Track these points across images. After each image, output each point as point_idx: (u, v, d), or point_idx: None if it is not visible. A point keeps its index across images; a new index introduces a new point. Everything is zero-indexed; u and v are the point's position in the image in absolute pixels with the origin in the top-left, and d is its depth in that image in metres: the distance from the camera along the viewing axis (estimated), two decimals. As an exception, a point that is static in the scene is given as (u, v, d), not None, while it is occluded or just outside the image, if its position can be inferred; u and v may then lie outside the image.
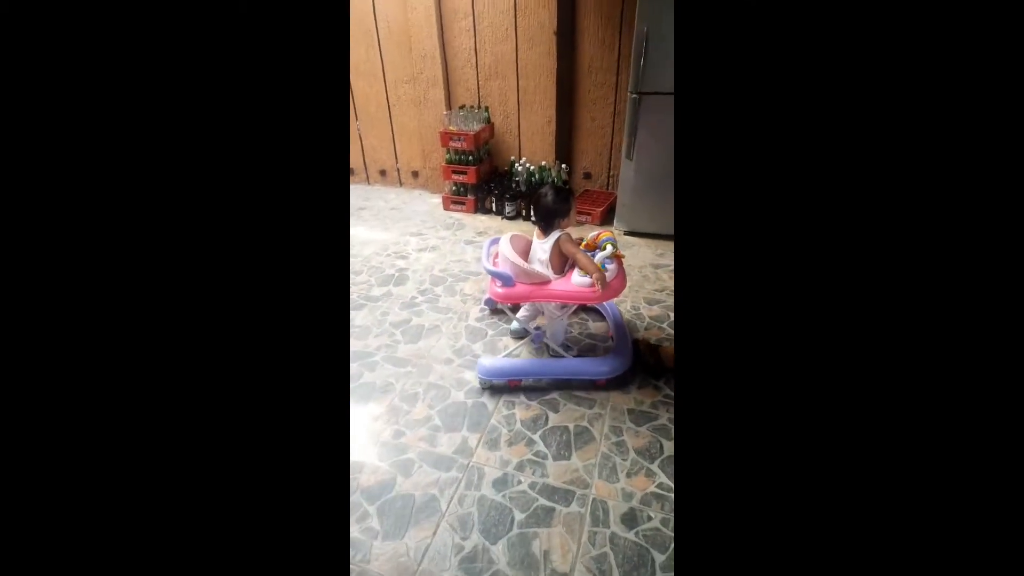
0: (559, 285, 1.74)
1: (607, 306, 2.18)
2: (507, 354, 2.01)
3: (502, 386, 1.84)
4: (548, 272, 1.76)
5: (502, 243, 1.80)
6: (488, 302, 2.32)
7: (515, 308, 2.11)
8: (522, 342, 2.05)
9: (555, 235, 1.74)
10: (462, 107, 3.40)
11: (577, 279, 1.71)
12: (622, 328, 2.02)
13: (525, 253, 1.83)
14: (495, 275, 1.73)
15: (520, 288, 1.73)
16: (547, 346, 1.97)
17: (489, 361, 1.83)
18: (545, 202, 1.75)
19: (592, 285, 1.65)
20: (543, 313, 1.96)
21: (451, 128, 3.28)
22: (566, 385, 1.84)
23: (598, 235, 1.84)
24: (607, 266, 1.70)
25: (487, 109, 3.44)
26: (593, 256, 1.73)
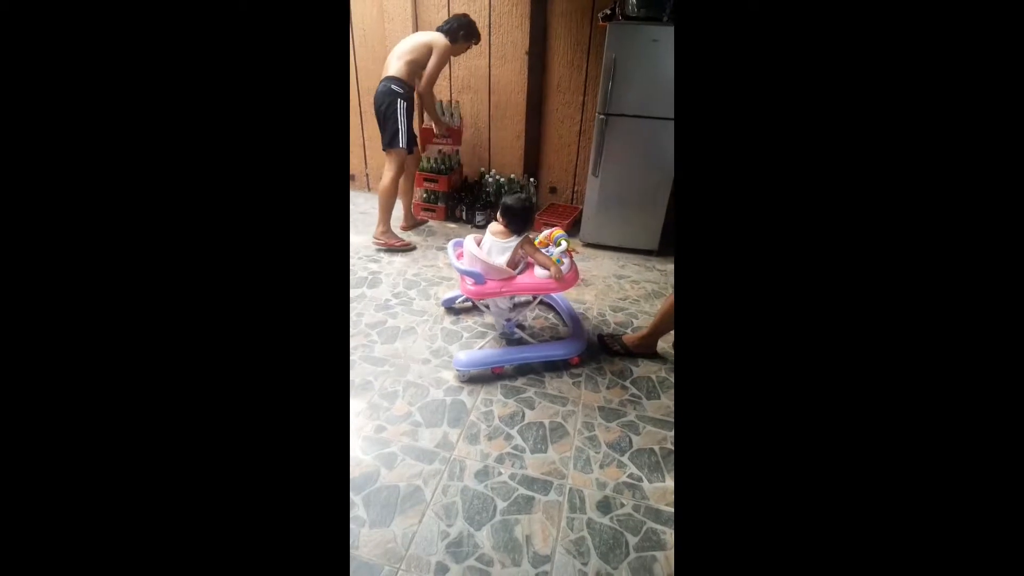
0: (524, 279, 1.92)
1: (559, 300, 2.40)
2: (480, 347, 2.10)
3: (484, 377, 1.96)
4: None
5: (468, 243, 1.93)
6: (446, 302, 2.41)
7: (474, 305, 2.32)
8: (488, 337, 2.16)
9: (519, 237, 1.91)
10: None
11: (540, 272, 1.93)
12: (575, 316, 2.28)
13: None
14: (467, 273, 1.86)
15: (491, 285, 1.87)
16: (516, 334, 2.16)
17: (464, 355, 1.94)
18: (527, 213, 1.91)
19: (551, 278, 1.89)
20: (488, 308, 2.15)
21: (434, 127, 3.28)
22: (552, 367, 2.02)
23: (551, 233, 2.09)
24: (564, 260, 1.94)
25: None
26: (548, 252, 1.99)
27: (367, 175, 4.01)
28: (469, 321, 2.32)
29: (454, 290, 2.52)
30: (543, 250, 2.00)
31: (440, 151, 3.43)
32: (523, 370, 2.01)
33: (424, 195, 3.51)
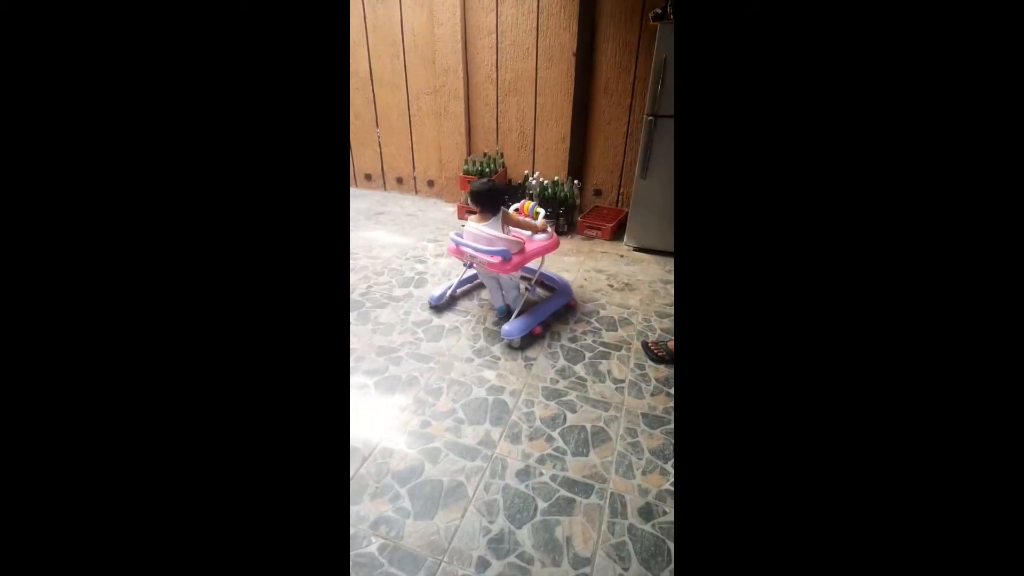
0: (531, 245, 2.19)
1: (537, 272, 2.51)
2: (516, 315, 2.26)
3: (525, 377, 2.00)
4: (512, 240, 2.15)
5: (474, 228, 2.10)
6: (435, 300, 2.43)
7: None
8: (524, 300, 2.35)
9: (499, 214, 2.15)
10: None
11: (537, 237, 2.26)
12: (553, 276, 2.60)
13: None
14: (496, 253, 2.00)
15: (516, 258, 2.05)
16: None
17: (510, 325, 2.16)
18: (493, 193, 2.13)
19: (549, 238, 2.25)
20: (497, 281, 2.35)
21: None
22: (595, 373, 1.98)
23: (523, 205, 2.39)
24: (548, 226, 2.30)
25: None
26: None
27: (414, 178, 4.11)
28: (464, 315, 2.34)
29: (440, 286, 2.55)
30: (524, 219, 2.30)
31: (485, 153, 3.47)
32: (565, 373, 2.01)
33: (467, 197, 3.57)
